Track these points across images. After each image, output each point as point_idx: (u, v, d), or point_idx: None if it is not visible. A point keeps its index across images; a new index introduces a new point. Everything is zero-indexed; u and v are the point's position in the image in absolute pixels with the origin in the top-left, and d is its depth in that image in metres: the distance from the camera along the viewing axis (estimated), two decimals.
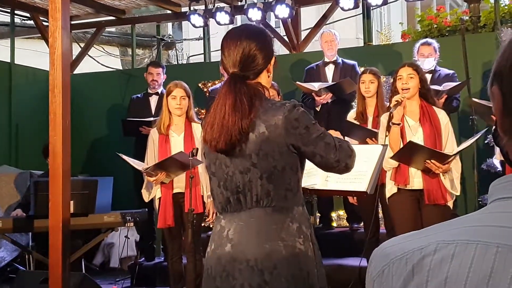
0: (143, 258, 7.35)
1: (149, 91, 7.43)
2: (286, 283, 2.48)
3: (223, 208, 2.64)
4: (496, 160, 6.11)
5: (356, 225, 6.83)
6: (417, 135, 4.72)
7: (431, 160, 4.50)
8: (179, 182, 5.26)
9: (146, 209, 6.28)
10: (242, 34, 2.65)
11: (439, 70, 6.40)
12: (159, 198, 5.29)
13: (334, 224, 7.40)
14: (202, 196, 5.26)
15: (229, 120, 2.51)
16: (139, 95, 7.58)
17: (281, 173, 2.53)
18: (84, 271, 6.56)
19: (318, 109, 6.81)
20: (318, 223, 6.93)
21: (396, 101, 4.71)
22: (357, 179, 4.09)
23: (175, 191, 5.28)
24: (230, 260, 2.54)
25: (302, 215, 2.60)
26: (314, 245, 2.62)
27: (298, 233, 2.55)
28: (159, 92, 7.29)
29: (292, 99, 2.67)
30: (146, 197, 5.41)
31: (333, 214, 7.41)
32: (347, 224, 7.15)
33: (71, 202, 5.23)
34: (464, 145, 4.79)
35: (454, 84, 6.09)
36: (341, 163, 2.59)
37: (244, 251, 2.52)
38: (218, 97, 2.62)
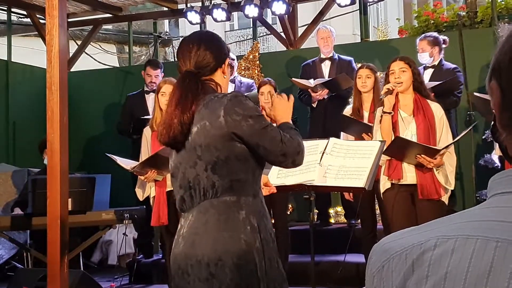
0: (141, 255, 7.35)
1: (146, 89, 7.41)
2: (231, 274, 2.47)
3: (181, 208, 2.69)
4: (495, 156, 6.11)
5: (353, 221, 6.83)
6: (410, 128, 4.69)
7: (421, 155, 4.48)
8: None
9: (144, 206, 6.27)
10: (193, 39, 2.75)
11: (444, 64, 6.40)
12: (154, 197, 5.28)
13: (332, 220, 7.41)
14: None
15: (172, 114, 2.61)
16: (135, 93, 7.57)
17: (224, 163, 2.55)
18: (82, 269, 6.57)
19: (314, 105, 6.81)
20: (316, 220, 6.93)
21: (387, 89, 4.69)
22: (355, 175, 4.10)
23: (168, 188, 5.25)
24: (183, 257, 2.57)
25: (251, 206, 2.58)
26: (263, 237, 2.58)
27: (244, 224, 2.54)
28: None
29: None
30: (140, 196, 5.41)
31: (331, 211, 7.42)
32: (345, 221, 7.15)
33: (69, 199, 5.23)
34: (455, 138, 4.78)
35: (437, 83, 6.01)
36: (288, 158, 2.62)
37: (194, 246, 2.54)
38: (170, 95, 2.76)
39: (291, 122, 2.87)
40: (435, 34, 6.60)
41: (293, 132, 2.73)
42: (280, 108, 2.90)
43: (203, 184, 2.56)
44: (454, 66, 6.37)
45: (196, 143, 2.57)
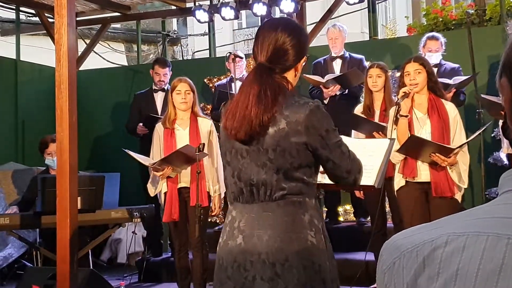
0: (150, 254, 7.36)
1: (154, 87, 7.42)
2: (298, 275, 2.47)
3: (235, 198, 2.64)
4: (503, 154, 6.10)
5: (363, 220, 6.83)
6: (425, 128, 4.71)
7: (436, 154, 4.50)
8: (185, 177, 5.28)
9: (153, 205, 6.29)
10: (279, 26, 2.60)
11: (445, 64, 6.38)
12: (165, 193, 5.30)
13: (341, 218, 7.40)
14: (208, 192, 5.30)
15: (251, 111, 2.49)
16: (143, 91, 7.58)
17: (297, 169, 2.51)
18: (91, 267, 6.58)
19: (326, 102, 6.80)
20: (325, 218, 6.93)
21: (404, 92, 4.70)
22: (365, 173, 4.08)
23: (180, 185, 5.30)
24: (241, 251, 2.54)
25: (314, 208, 2.58)
26: (326, 238, 2.59)
27: (310, 225, 2.53)
28: (165, 89, 7.27)
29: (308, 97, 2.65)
30: (152, 192, 5.43)
31: (340, 209, 7.41)
32: (354, 219, 7.15)
33: (79, 198, 5.25)
34: (469, 138, 4.79)
35: (463, 78, 6.06)
36: (351, 175, 2.61)
37: (255, 244, 2.51)
38: (242, 85, 2.61)
39: None
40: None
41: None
42: None
43: (270, 186, 2.52)
44: (457, 65, 6.37)
45: (270, 145, 2.50)
